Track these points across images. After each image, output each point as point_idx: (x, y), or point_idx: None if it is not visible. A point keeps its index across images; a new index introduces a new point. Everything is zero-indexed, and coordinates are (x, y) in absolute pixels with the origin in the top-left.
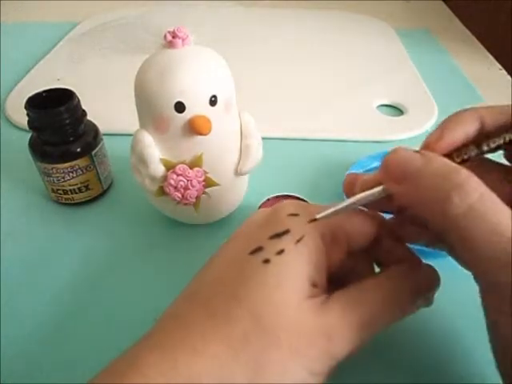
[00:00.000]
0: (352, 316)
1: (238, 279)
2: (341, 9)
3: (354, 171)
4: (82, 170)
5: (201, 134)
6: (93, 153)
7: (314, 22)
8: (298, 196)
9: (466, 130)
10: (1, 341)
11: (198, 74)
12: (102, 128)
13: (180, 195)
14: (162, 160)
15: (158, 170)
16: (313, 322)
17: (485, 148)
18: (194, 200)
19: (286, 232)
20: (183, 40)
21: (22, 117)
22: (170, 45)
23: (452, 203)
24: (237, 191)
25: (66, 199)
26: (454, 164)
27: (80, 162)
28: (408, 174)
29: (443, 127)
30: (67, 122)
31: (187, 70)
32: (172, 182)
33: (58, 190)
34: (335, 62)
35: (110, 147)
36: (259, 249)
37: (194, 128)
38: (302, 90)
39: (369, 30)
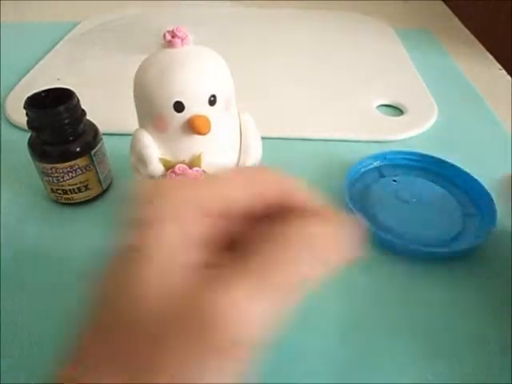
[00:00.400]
0: (258, 293)
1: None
2: (341, 9)
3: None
4: (81, 170)
5: (200, 134)
6: (92, 152)
7: (314, 22)
8: None
9: None
10: (1, 341)
11: (197, 73)
12: (102, 128)
13: None
14: (161, 160)
15: (157, 169)
16: (213, 306)
17: None
18: None
19: (145, 223)
20: (182, 40)
21: (21, 117)
22: (170, 44)
23: None
24: None
25: (65, 199)
26: None
27: (79, 162)
28: None
29: None
30: (66, 121)
31: (186, 70)
32: None
33: (57, 189)
34: (335, 62)
35: (109, 147)
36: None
37: (194, 127)
38: (302, 90)
39: (369, 30)
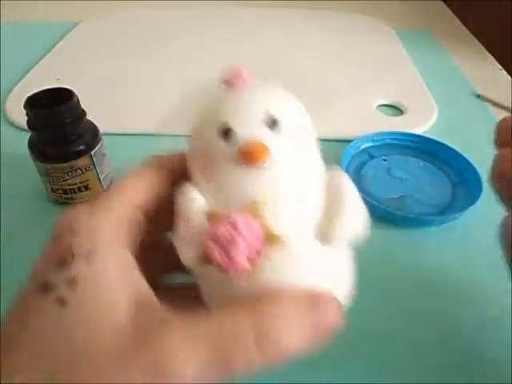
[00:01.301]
0: (201, 352)
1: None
2: (341, 9)
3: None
4: (81, 170)
5: (253, 163)
6: (92, 152)
7: (314, 23)
8: None
9: None
10: None
11: (252, 94)
12: (102, 128)
13: (223, 254)
14: (206, 213)
15: (199, 226)
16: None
17: None
18: (244, 264)
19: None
20: (243, 81)
21: (21, 117)
22: (229, 84)
23: None
24: (324, 266)
25: (65, 199)
26: None
27: (79, 162)
28: None
29: None
30: (66, 121)
31: (239, 94)
32: (214, 235)
33: (57, 189)
34: (335, 62)
35: (109, 147)
36: (49, 286)
37: (245, 155)
38: (302, 90)
39: (369, 30)
